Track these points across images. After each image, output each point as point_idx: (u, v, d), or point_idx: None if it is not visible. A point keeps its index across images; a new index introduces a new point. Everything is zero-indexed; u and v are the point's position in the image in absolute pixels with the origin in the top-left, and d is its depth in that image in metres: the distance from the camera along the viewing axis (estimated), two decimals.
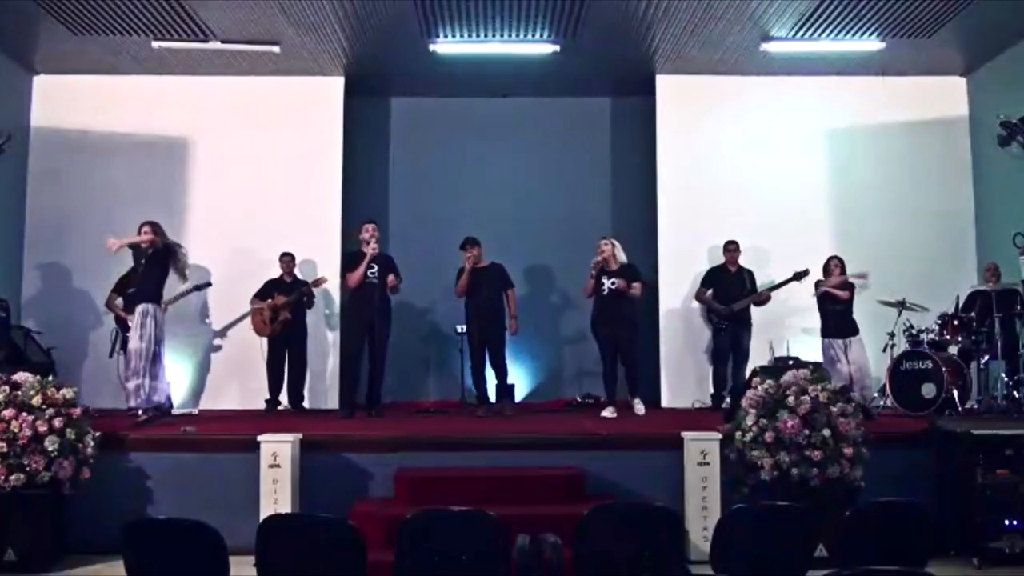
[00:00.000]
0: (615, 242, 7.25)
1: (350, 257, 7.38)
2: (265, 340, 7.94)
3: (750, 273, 7.97)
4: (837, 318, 7.38)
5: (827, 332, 7.45)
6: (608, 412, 7.05)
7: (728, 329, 7.78)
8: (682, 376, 8.39)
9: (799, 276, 7.58)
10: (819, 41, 7.85)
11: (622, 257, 7.20)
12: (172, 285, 7.10)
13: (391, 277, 7.18)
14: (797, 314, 8.04)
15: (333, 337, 8.50)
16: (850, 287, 7.47)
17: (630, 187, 9.24)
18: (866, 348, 7.52)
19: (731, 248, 7.98)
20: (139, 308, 6.48)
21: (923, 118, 8.70)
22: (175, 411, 7.29)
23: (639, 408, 7.10)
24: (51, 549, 5.02)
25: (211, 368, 8.48)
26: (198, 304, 8.39)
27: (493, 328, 7.37)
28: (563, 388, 9.07)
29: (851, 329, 7.42)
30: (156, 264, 6.63)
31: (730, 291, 7.83)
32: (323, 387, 8.41)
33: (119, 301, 7.60)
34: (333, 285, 8.38)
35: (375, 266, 7.15)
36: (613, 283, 7.04)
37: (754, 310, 7.89)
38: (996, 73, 8.25)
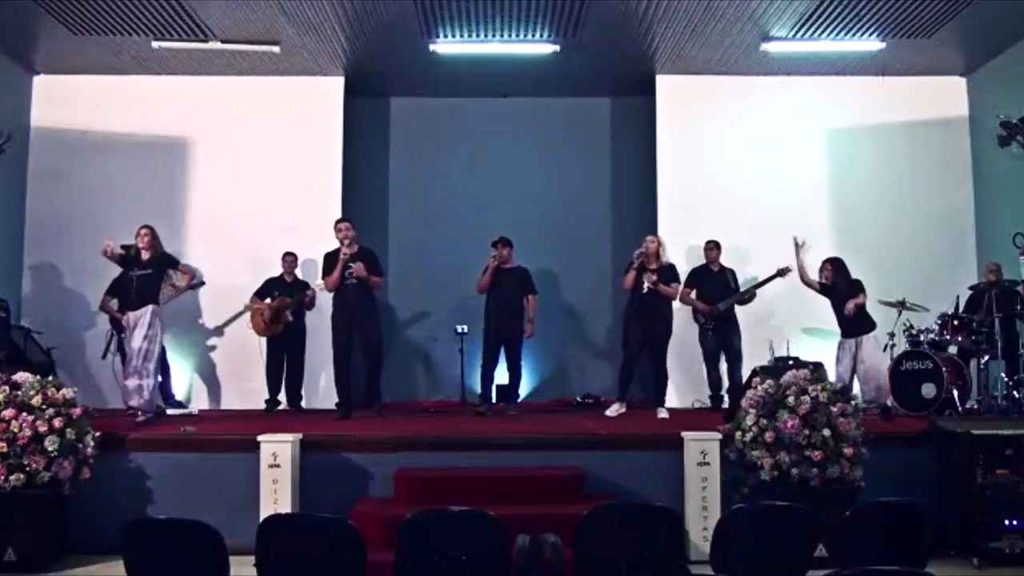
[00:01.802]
0: (661, 240, 7.23)
1: (327, 258, 7.14)
2: (264, 340, 7.92)
3: (732, 272, 7.94)
4: (842, 318, 7.27)
5: (841, 332, 7.33)
6: (613, 410, 7.04)
7: (715, 329, 7.75)
8: (682, 376, 8.37)
9: (782, 273, 7.57)
10: (819, 41, 7.85)
11: (665, 257, 7.15)
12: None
13: (358, 265, 6.90)
14: (797, 314, 8.04)
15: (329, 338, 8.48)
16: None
17: (630, 187, 9.24)
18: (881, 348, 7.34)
19: (711, 247, 7.94)
20: (148, 309, 6.48)
21: (923, 118, 8.70)
22: (175, 411, 7.30)
23: (662, 414, 7.01)
24: (51, 549, 5.02)
25: (210, 368, 8.48)
26: (196, 303, 8.38)
27: (511, 328, 7.37)
28: (563, 388, 9.06)
29: (858, 328, 7.19)
30: (158, 266, 6.69)
31: (714, 291, 7.80)
32: (323, 387, 8.40)
33: (113, 303, 7.55)
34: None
35: (351, 266, 6.96)
36: (655, 282, 6.97)
37: (752, 308, 7.88)
38: (996, 73, 8.26)
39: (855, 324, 7.20)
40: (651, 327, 7.03)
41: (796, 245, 7.54)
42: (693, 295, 7.86)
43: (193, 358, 8.43)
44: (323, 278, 7.13)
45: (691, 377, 8.33)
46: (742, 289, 7.89)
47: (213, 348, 8.50)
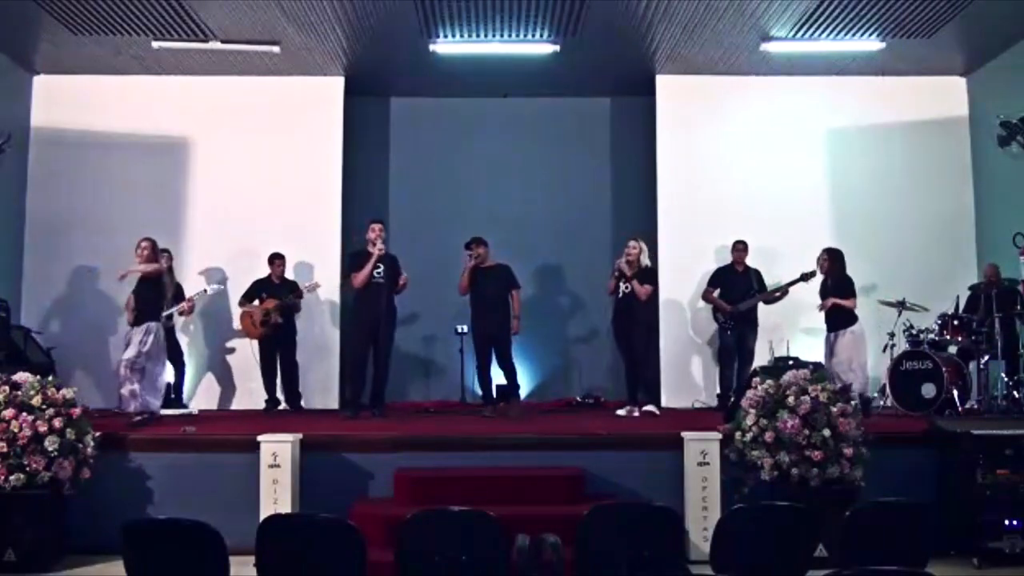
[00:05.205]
0: (643, 245, 7.26)
1: (354, 257, 7.21)
2: (255, 342, 7.90)
3: (757, 273, 7.94)
4: (826, 312, 7.15)
5: (826, 325, 7.25)
6: (623, 411, 7.09)
7: (734, 329, 7.77)
8: (683, 376, 8.38)
9: (806, 277, 7.52)
10: (819, 41, 7.85)
11: (645, 261, 7.22)
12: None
13: (404, 277, 7.11)
14: (798, 314, 8.03)
15: (334, 337, 8.49)
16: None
17: (630, 187, 9.24)
18: (864, 342, 7.15)
19: (739, 248, 7.95)
20: (144, 327, 6.45)
21: (923, 118, 8.70)
22: (174, 412, 7.29)
23: (648, 409, 7.07)
24: (51, 549, 5.01)
25: (209, 368, 8.48)
26: (196, 304, 8.37)
27: (497, 327, 7.34)
28: (564, 388, 9.07)
29: (835, 323, 7.03)
30: (155, 283, 6.63)
31: (737, 291, 7.81)
32: (323, 387, 8.40)
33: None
34: (330, 287, 8.39)
35: (380, 266, 7.02)
36: (627, 287, 7.11)
37: (759, 310, 7.88)
38: (996, 73, 8.25)
39: (832, 318, 7.07)
40: (628, 331, 7.17)
41: (805, 277, 7.50)
42: (716, 294, 7.89)
43: (193, 359, 8.41)
44: (351, 274, 7.11)
45: (692, 377, 8.35)
46: (768, 289, 7.88)
47: (212, 349, 8.49)
